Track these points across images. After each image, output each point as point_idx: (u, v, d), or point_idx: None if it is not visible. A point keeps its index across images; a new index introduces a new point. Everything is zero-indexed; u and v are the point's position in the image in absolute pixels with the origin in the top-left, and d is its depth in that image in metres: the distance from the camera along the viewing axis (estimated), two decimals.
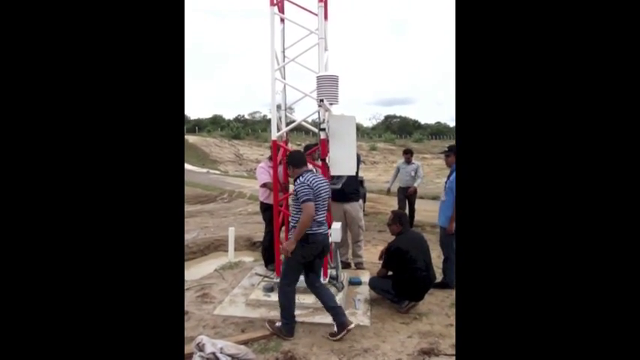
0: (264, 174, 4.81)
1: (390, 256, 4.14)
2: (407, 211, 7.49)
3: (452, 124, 71.87)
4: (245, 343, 3.36)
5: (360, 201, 5.57)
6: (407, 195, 7.74)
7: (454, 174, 4.57)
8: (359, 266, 5.42)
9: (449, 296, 4.41)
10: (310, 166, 4.18)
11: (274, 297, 4.23)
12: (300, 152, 3.91)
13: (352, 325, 3.51)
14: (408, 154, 8.05)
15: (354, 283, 4.78)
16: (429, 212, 9.73)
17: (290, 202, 4.07)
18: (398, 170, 8.03)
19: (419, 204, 8.31)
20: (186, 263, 5.87)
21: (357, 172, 5.30)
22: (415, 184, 7.74)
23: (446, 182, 4.77)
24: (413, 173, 7.75)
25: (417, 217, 8.30)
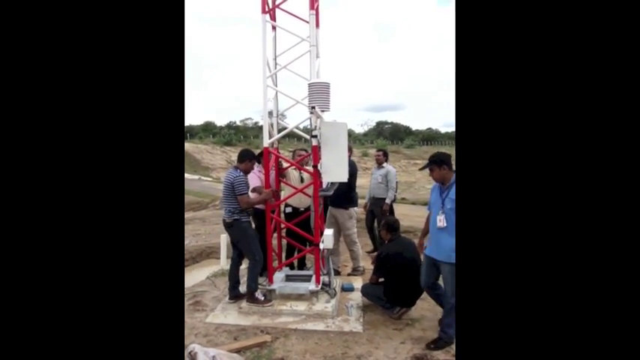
0: (254, 178, 4.78)
1: (380, 262, 4.16)
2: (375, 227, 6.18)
3: (443, 129, 72.46)
4: (238, 351, 3.35)
5: (351, 210, 5.39)
6: (374, 211, 6.27)
7: (455, 190, 3.27)
8: (355, 273, 5.42)
9: None
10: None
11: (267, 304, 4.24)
12: (243, 150, 4.57)
13: (261, 297, 4.27)
14: (379, 153, 6.47)
15: (347, 289, 4.78)
16: (421, 218, 9.75)
17: None
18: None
19: (410, 209, 8.06)
20: None
21: (354, 180, 5.28)
22: (387, 200, 6.07)
23: (443, 201, 3.40)
24: (380, 179, 6.15)
25: (409, 223, 8.17)
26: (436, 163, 3.44)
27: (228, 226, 4.33)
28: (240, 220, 4.24)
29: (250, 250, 4.28)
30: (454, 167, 3.41)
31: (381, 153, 6.46)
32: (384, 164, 6.29)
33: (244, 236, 4.30)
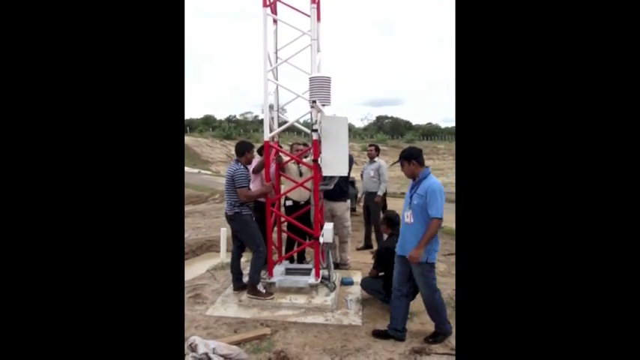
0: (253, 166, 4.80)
1: (380, 257, 4.17)
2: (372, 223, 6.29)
3: (443, 124, 72.27)
4: (237, 343, 3.37)
5: (348, 201, 5.55)
6: (368, 204, 6.36)
7: (423, 185, 3.32)
8: (343, 267, 5.44)
9: None
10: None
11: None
12: (240, 142, 4.57)
13: (262, 290, 4.32)
14: (371, 148, 6.64)
15: (346, 283, 4.80)
16: None
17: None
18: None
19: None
20: None
21: (348, 173, 5.32)
22: (379, 192, 6.16)
23: (411, 196, 3.41)
24: (372, 173, 6.27)
25: None
26: (406, 158, 3.44)
27: (230, 219, 4.37)
28: (241, 213, 4.27)
29: (254, 242, 4.31)
30: (425, 162, 3.49)
31: (373, 148, 6.64)
32: (376, 159, 6.45)
33: (246, 229, 4.33)
